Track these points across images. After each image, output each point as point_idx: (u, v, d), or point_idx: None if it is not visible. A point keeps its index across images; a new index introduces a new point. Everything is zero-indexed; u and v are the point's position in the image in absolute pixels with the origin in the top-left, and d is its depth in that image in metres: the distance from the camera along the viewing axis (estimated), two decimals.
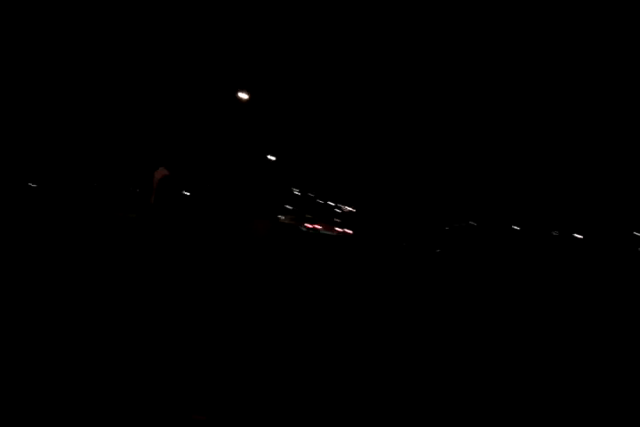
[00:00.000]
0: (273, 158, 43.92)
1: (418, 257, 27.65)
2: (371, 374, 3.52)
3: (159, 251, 4.54)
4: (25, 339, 2.98)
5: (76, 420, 2.18)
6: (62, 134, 25.87)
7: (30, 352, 2.79)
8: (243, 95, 27.43)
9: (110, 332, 3.35)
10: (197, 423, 2.32)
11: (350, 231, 61.36)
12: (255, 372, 3.14)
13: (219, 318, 4.30)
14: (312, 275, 9.29)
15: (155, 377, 2.75)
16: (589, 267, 32.93)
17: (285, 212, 52.90)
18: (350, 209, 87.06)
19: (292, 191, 75.01)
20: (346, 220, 75.09)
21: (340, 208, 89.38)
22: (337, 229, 62.47)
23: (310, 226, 51.94)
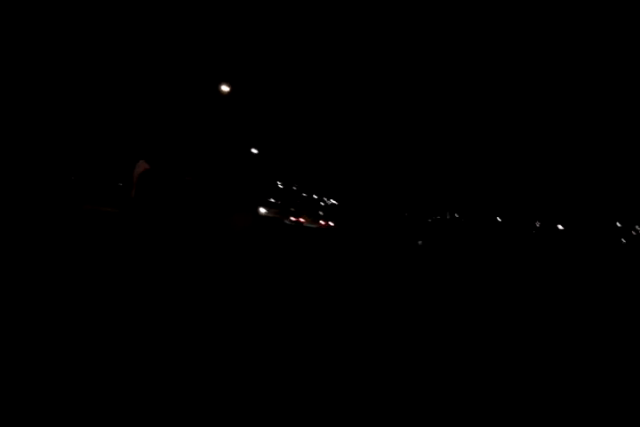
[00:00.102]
0: (255, 151, 43.66)
1: (400, 249, 27.74)
2: (360, 369, 3.42)
3: (138, 247, 4.38)
4: (14, 341, 2.81)
5: (76, 420, 2.14)
6: (41, 127, 25.31)
7: (18, 356, 2.64)
8: (225, 88, 27.08)
9: (89, 331, 3.19)
10: (197, 423, 2.28)
11: (333, 224, 61.55)
12: (244, 370, 3.02)
13: (201, 316, 4.16)
14: (296, 269, 9.18)
15: (147, 378, 2.63)
16: (574, 257, 33.52)
17: (269, 205, 52.56)
18: (334, 202, 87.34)
19: (275, 184, 74.72)
20: (330, 212, 75.32)
21: (323, 201, 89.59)
22: (321, 222, 62.58)
23: (294, 219, 51.80)
